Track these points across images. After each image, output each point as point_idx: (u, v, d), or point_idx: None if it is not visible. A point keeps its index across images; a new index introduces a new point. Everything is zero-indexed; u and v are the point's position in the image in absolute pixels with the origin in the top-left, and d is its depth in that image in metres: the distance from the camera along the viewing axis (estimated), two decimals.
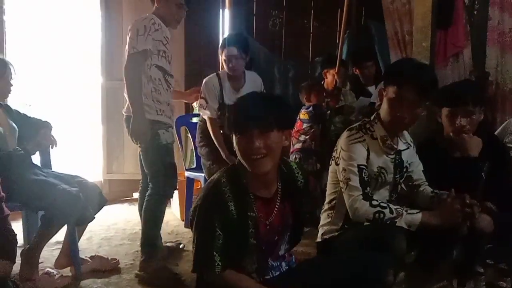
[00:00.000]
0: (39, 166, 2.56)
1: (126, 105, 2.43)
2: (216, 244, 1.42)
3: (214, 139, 2.92)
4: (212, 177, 1.54)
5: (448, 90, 2.13)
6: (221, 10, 4.51)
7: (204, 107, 2.93)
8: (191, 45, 4.44)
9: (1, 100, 2.51)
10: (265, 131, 1.41)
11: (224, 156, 2.89)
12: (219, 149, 2.91)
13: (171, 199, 3.76)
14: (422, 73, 1.79)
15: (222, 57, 2.87)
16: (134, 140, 2.37)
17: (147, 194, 2.46)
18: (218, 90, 2.88)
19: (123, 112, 2.48)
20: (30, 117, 2.61)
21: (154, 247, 2.47)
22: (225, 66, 2.87)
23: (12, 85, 2.49)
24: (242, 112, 1.44)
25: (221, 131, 2.88)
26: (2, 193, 1.52)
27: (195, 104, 4.12)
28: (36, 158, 2.62)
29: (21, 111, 2.61)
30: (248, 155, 1.42)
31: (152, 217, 2.46)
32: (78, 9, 4.62)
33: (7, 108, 2.54)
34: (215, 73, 2.97)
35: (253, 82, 2.96)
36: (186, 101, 3.61)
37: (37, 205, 2.35)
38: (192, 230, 1.51)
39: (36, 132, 2.53)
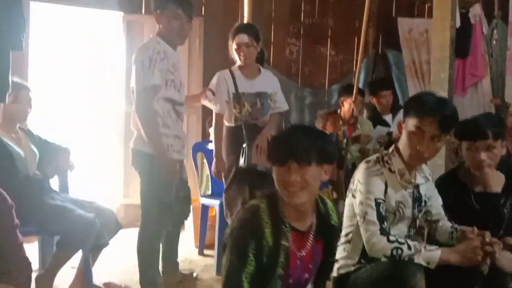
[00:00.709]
0: (56, 191, 2.60)
1: (134, 137, 2.39)
2: (247, 269, 1.43)
3: (213, 138, 2.83)
4: (251, 202, 1.57)
5: (468, 124, 2.08)
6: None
7: (210, 100, 2.74)
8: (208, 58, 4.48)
9: (20, 124, 2.54)
10: (304, 165, 1.42)
11: (213, 167, 2.80)
12: (214, 149, 2.80)
13: (185, 225, 3.76)
14: (443, 107, 1.77)
15: (233, 47, 2.70)
16: (160, 180, 2.29)
17: (138, 231, 2.38)
18: (230, 81, 2.69)
19: (131, 145, 2.40)
20: (50, 142, 2.66)
21: (154, 286, 2.40)
22: (235, 56, 2.71)
23: (30, 109, 2.52)
24: (282, 144, 1.48)
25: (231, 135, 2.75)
26: (16, 220, 1.53)
27: (211, 130, 4.17)
28: (54, 182, 2.66)
29: (42, 137, 2.67)
30: (285, 187, 1.45)
31: (145, 258, 2.38)
32: (102, 34, 4.74)
33: (29, 133, 2.59)
34: (227, 69, 2.80)
35: (269, 77, 2.83)
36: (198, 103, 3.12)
37: (53, 230, 2.37)
38: (224, 252, 1.51)
39: (55, 157, 2.58)
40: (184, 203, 2.66)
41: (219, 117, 2.77)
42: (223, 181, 2.77)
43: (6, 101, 2.07)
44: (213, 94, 2.70)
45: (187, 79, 4.49)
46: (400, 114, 3.52)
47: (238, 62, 2.73)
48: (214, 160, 2.79)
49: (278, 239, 1.46)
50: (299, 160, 1.42)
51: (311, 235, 1.55)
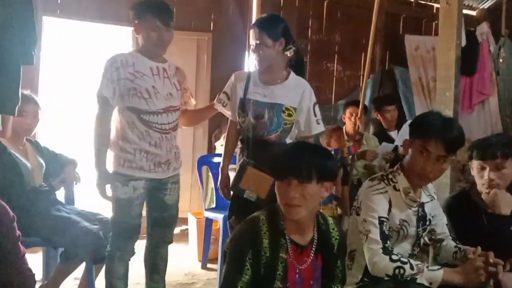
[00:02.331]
0: (62, 202, 2.62)
1: None
2: (243, 278, 1.45)
3: (224, 146, 2.40)
4: (252, 214, 1.60)
5: (478, 143, 2.08)
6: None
7: (224, 104, 2.32)
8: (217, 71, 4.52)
9: (26, 136, 2.54)
10: (304, 182, 1.45)
11: (219, 180, 2.36)
12: (222, 162, 2.37)
13: (188, 238, 3.76)
14: (449, 128, 1.77)
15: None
16: (108, 198, 2.16)
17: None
18: (243, 84, 2.24)
19: None
20: (58, 154, 2.68)
21: None
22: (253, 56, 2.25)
23: (36, 122, 2.53)
24: (283, 160, 1.51)
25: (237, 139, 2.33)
26: (18, 232, 1.55)
27: (217, 144, 4.19)
28: (60, 194, 2.68)
29: (50, 148, 2.70)
30: (284, 202, 1.49)
31: (108, 279, 2.19)
32: (112, 48, 4.81)
33: (36, 145, 2.62)
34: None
35: (296, 88, 2.23)
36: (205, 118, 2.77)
37: (57, 241, 2.38)
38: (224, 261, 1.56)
39: (62, 169, 2.61)
40: (160, 227, 2.29)
41: (232, 125, 2.34)
42: (226, 197, 2.42)
43: (15, 114, 2.09)
44: (228, 97, 2.31)
45: (194, 93, 4.55)
46: (404, 129, 3.53)
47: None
48: (220, 174, 2.42)
49: (276, 251, 1.49)
50: (299, 177, 1.45)
51: (312, 250, 1.57)
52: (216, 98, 2.36)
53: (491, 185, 1.98)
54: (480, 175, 2.01)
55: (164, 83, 2.19)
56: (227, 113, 2.33)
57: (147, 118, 2.12)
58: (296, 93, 2.22)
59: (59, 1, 4.19)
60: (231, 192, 2.28)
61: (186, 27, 4.59)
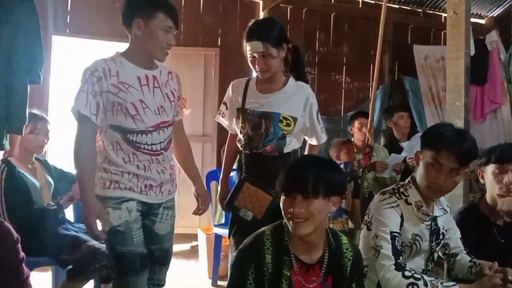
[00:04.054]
0: (70, 221, 2.61)
1: None
2: None
3: (224, 158, 2.29)
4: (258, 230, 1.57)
5: (494, 148, 2.03)
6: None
7: (223, 115, 2.21)
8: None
9: (36, 154, 2.57)
10: (309, 198, 1.42)
11: (218, 194, 2.26)
12: (221, 174, 2.26)
13: (198, 255, 3.72)
14: (461, 140, 1.72)
15: (247, 55, 2.05)
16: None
17: None
18: (241, 93, 2.12)
19: None
20: (66, 172, 2.69)
21: None
22: (251, 67, 2.07)
23: (48, 140, 2.55)
24: (289, 175, 1.47)
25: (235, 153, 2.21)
26: (22, 253, 1.53)
27: None
28: (69, 212, 2.68)
29: (58, 167, 2.70)
30: (289, 217, 1.45)
31: None
32: None
33: (45, 163, 2.63)
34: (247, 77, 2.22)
35: (295, 94, 2.08)
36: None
37: (65, 260, 2.36)
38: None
39: (70, 187, 2.60)
40: (154, 262, 1.91)
41: (232, 135, 2.23)
42: (227, 211, 2.36)
43: (23, 133, 2.10)
44: (226, 107, 2.19)
45: (202, 109, 4.58)
46: (412, 140, 3.48)
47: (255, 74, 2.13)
48: (220, 187, 2.29)
49: (279, 267, 1.46)
50: (304, 193, 1.42)
51: (322, 271, 1.51)
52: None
53: (510, 189, 1.92)
54: (498, 179, 1.95)
55: (155, 95, 1.84)
56: (225, 123, 2.22)
57: (134, 139, 1.78)
58: (296, 101, 2.07)
59: (68, 20, 4.26)
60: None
61: (194, 43, 4.63)
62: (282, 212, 1.48)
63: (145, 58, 1.85)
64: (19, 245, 1.50)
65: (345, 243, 1.59)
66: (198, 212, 2.14)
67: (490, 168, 1.98)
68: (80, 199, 1.75)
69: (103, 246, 2.33)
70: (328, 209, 1.47)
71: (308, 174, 1.43)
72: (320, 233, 1.51)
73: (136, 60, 1.83)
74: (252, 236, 1.54)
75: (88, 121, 1.74)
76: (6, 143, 2.18)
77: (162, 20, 1.79)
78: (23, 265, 1.51)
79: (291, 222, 1.45)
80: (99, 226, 1.75)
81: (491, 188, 2.00)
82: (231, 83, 2.21)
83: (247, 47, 2.02)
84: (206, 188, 2.17)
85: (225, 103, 2.21)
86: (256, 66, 2.02)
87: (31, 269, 2.24)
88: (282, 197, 1.48)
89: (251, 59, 2.03)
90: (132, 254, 1.78)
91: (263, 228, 1.56)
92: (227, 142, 2.28)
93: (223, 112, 2.21)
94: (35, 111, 2.52)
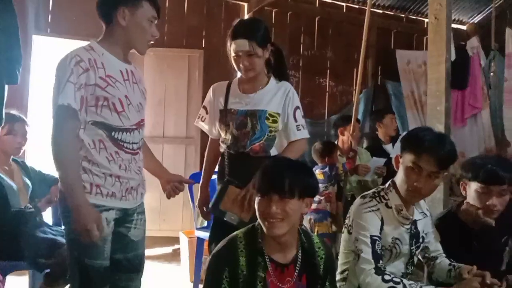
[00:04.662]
0: (48, 224, 2.56)
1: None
2: None
3: (204, 163, 2.26)
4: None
5: (483, 166, 1.93)
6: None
7: (202, 119, 2.19)
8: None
9: (13, 155, 2.52)
10: (285, 198, 1.44)
11: (198, 200, 2.22)
12: (201, 180, 2.23)
13: (180, 259, 3.69)
14: (441, 144, 1.73)
15: (231, 54, 2.03)
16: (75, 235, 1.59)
17: None
18: (223, 95, 2.11)
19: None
20: (45, 173, 2.64)
21: None
22: (235, 66, 2.05)
23: (25, 141, 2.51)
24: (265, 176, 1.49)
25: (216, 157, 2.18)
26: None
27: None
28: (48, 215, 2.62)
29: (37, 168, 2.65)
30: (265, 217, 1.46)
31: None
32: None
33: (23, 165, 2.58)
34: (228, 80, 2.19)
35: (278, 91, 2.07)
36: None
37: (43, 264, 2.32)
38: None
39: (49, 189, 2.55)
40: (125, 273, 1.80)
41: (212, 142, 2.22)
42: (205, 218, 2.30)
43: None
44: (206, 111, 2.17)
45: (186, 111, 4.54)
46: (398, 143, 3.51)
47: (239, 74, 2.11)
48: (199, 192, 2.24)
49: (253, 269, 1.47)
50: (281, 193, 1.44)
51: (296, 270, 1.52)
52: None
53: (492, 211, 1.90)
54: (481, 199, 1.91)
55: (135, 91, 1.75)
56: (206, 127, 2.19)
57: (119, 137, 1.68)
58: (278, 96, 2.06)
59: (49, 20, 4.19)
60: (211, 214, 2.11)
61: (178, 44, 4.60)
62: (257, 213, 1.49)
63: (125, 50, 1.76)
64: None
65: (317, 242, 1.61)
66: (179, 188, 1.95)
67: (474, 185, 1.94)
68: (71, 206, 1.56)
69: None
70: (301, 210, 1.51)
71: (285, 175, 1.45)
72: (293, 233, 1.53)
73: (117, 53, 1.72)
74: (225, 240, 1.54)
75: (75, 117, 1.60)
76: None
77: (147, 10, 1.71)
78: None
79: (266, 222, 1.46)
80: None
81: (475, 202, 1.95)
82: (212, 86, 2.19)
83: (232, 46, 2.00)
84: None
85: (205, 107, 2.18)
86: (241, 65, 2.00)
87: (7, 273, 2.20)
88: (258, 198, 1.49)
89: (235, 57, 2.01)
90: (102, 268, 1.66)
91: (235, 232, 1.56)
92: (207, 147, 2.25)
93: (203, 116, 2.18)
94: (13, 111, 2.47)
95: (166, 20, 4.59)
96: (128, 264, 1.80)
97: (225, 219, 1.97)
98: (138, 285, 1.86)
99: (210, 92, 2.18)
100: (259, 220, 1.50)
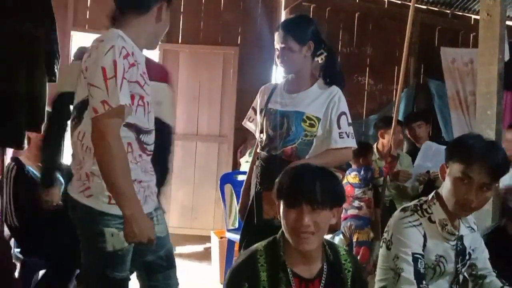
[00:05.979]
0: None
1: (72, 180, 1.61)
2: None
3: (249, 166, 2.17)
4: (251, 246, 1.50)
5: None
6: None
7: (250, 119, 2.16)
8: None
9: None
10: (318, 209, 1.34)
11: (239, 202, 2.16)
12: (244, 183, 2.16)
13: (211, 259, 3.65)
14: (493, 153, 1.58)
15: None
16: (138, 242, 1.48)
17: None
18: (268, 95, 2.06)
19: (69, 190, 1.62)
20: None
21: None
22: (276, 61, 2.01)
23: None
24: (296, 183, 1.37)
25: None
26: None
27: (242, 160, 4.08)
28: None
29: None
30: (296, 231, 1.36)
31: None
32: None
33: None
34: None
35: (321, 94, 1.94)
36: None
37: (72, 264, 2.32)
38: None
39: None
40: (162, 271, 1.76)
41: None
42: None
43: (42, 131, 2.07)
44: (255, 112, 2.12)
45: (219, 109, 4.50)
46: (423, 149, 3.28)
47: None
48: (241, 195, 2.20)
49: (276, 285, 1.38)
50: (314, 203, 1.33)
51: (321, 285, 1.42)
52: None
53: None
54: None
55: (150, 89, 1.63)
56: (253, 128, 2.15)
57: (144, 139, 1.58)
58: (322, 100, 1.93)
59: (87, 16, 4.23)
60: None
61: (213, 41, 4.55)
62: (285, 226, 1.38)
63: (146, 43, 1.61)
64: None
65: (343, 254, 1.51)
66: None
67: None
68: (126, 215, 1.41)
69: None
70: (331, 221, 1.40)
71: (316, 184, 1.34)
72: (319, 246, 1.43)
73: (141, 45, 1.57)
74: (245, 253, 1.47)
75: (124, 118, 1.45)
76: (25, 143, 2.18)
77: (166, 5, 1.61)
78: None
79: (296, 236, 1.35)
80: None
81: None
82: (262, 87, 2.14)
83: (275, 39, 1.96)
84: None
85: (253, 108, 2.15)
86: (277, 59, 1.97)
87: (35, 272, 2.21)
88: (285, 209, 1.37)
89: (276, 51, 1.97)
90: (125, 281, 1.58)
91: (255, 245, 1.47)
92: (255, 149, 2.15)
93: (251, 117, 2.15)
94: (48, 108, 2.48)
95: (202, 16, 4.55)
96: (162, 262, 1.74)
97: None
98: (176, 282, 1.80)
99: (258, 93, 2.13)
100: (286, 233, 1.39)
